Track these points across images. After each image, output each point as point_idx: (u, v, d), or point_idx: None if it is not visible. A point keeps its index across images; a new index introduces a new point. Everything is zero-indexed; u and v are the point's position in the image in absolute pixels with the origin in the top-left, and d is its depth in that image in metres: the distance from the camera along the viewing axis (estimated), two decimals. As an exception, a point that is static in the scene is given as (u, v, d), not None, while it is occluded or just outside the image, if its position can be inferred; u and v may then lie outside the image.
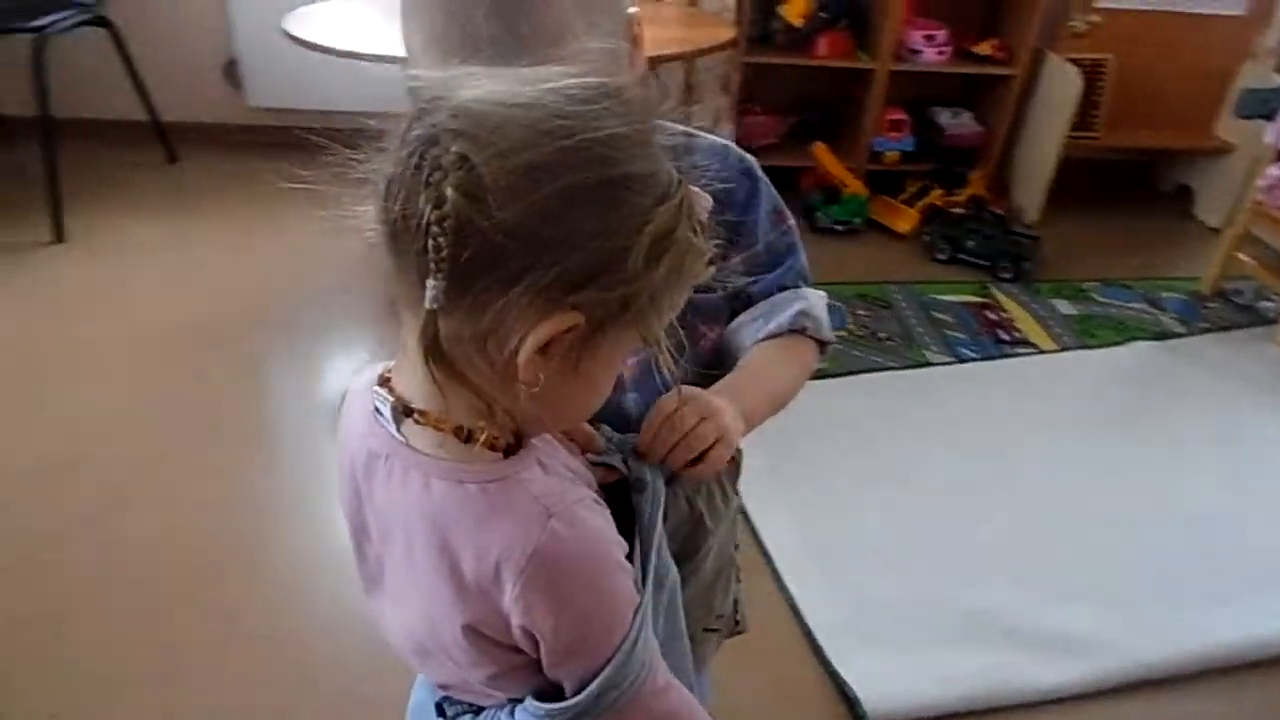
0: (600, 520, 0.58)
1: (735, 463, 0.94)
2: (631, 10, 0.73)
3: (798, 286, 0.82)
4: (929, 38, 2.98)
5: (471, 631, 0.58)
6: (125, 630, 1.48)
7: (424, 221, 0.47)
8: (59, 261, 2.45)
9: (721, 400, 0.70)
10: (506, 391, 0.52)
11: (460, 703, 0.67)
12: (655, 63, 2.50)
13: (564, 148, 0.48)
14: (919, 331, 2.51)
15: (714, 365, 0.82)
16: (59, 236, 2.50)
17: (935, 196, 3.04)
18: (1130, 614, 1.66)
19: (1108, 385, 2.39)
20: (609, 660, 0.57)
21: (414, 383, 0.55)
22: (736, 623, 1.05)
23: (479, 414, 0.55)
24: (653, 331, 0.54)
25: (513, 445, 0.58)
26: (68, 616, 1.49)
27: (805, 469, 1.96)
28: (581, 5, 0.66)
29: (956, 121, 3.20)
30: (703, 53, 2.64)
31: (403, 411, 0.57)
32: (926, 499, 1.91)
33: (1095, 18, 3.03)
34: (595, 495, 0.61)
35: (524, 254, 0.48)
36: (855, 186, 2.98)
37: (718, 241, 0.56)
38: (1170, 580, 1.75)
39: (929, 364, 2.38)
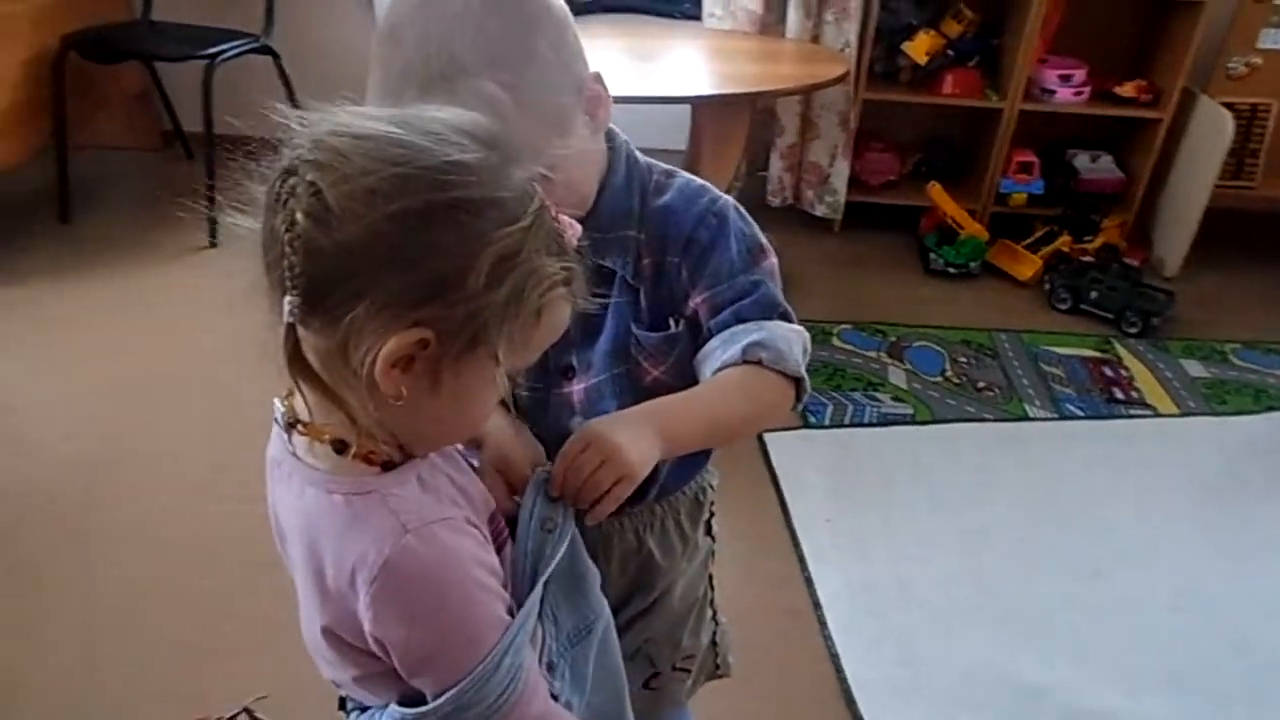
0: (463, 541, 0.61)
1: (699, 503, 0.96)
2: (589, 73, 0.77)
3: (763, 319, 0.81)
4: (1065, 77, 2.84)
5: (330, 634, 0.63)
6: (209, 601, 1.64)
7: (279, 241, 0.53)
8: (210, 264, 2.72)
9: (626, 435, 0.70)
10: (375, 404, 0.56)
11: (354, 699, 0.72)
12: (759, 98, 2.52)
13: (399, 174, 0.53)
14: (1023, 384, 2.39)
15: None
16: (212, 242, 2.78)
17: (1063, 243, 2.89)
18: (1212, 713, 1.53)
19: (1233, 457, 2.19)
20: (466, 676, 0.60)
21: (303, 396, 0.60)
22: (717, 666, 1.06)
23: (352, 428, 0.59)
24: (501, 353, 0.57)
25: (395, 461, 0.62)
26: (171, 582, 1.67)
27: (872, 517, 1.91)
28: (510, 88, 0.69)
29: (1094, 166, 3.03)
30: (812, 88, 2.65)
31: (289, 423, 0.63)
32: (998, 561, 1.83)
33: (1256, 59, 2.81)
34: (472, 517, 0.64)
35: (366, 271, 0.53)
36: (973, 229, 2.87)
37: (571, 264, 0.59)
38: (1269, 684, 1.60)
39: (1027, 418, 2.26)
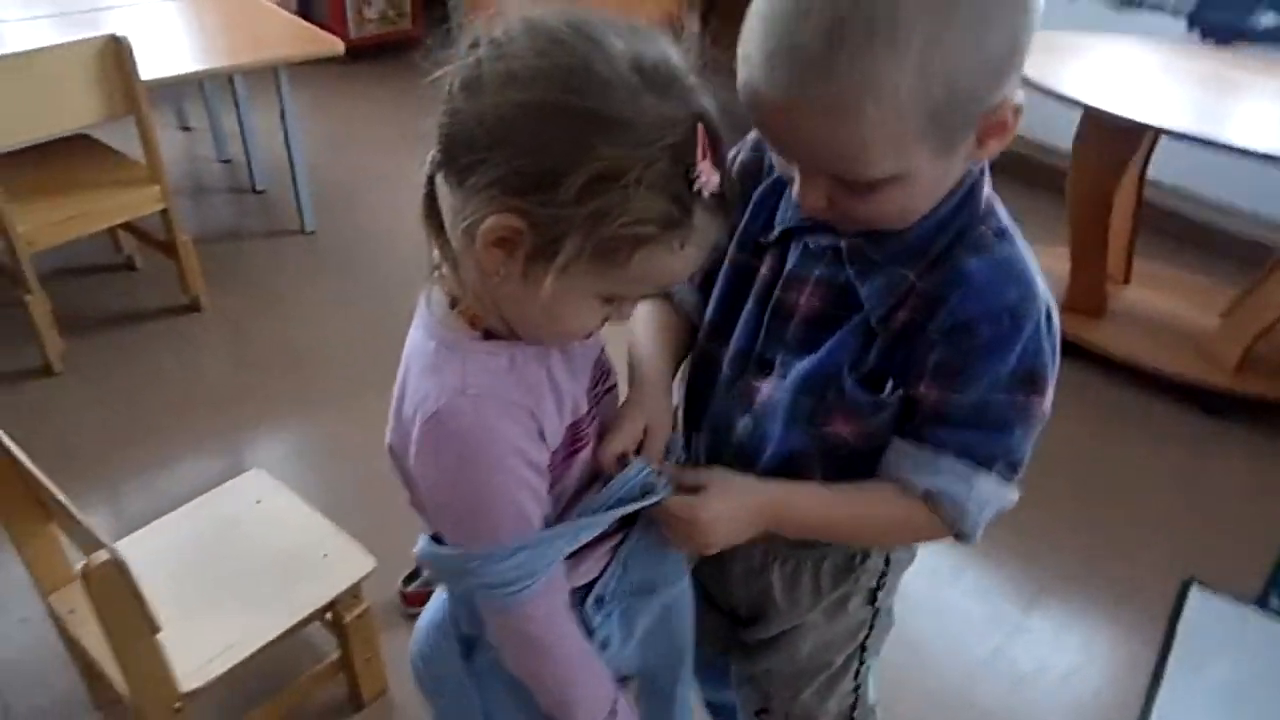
0: (509, 426, 0.61)
1: (851, 568, 0.82)
2: (1013, 102, 0.59)
3: (984, 467, 0.67)
4: None
5: (391, 451, 0.67)
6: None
7: (445, 100, 0.56)
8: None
9: (727, 528, 0.70)
10: (478, 272, 0.59)
11: None
12: None
13: (537, 66, 0.53)
14: None
15: (832, 459, 0.72)
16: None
17: None
18: None
19: None
20: (475, 545, 0.63)
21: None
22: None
23: (461, 286, 0.62)
24: (568, 265, 0.55)
25: (499, 334, 0.63)
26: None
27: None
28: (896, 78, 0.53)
29: None
30: None
31: (432, 268, 0.66)
32: None
33: None
34: (539, 413, 0.63)
35: (485, 146, 0.54)
36: None
37: (680, 217, 0.55)
38: None
39: None
